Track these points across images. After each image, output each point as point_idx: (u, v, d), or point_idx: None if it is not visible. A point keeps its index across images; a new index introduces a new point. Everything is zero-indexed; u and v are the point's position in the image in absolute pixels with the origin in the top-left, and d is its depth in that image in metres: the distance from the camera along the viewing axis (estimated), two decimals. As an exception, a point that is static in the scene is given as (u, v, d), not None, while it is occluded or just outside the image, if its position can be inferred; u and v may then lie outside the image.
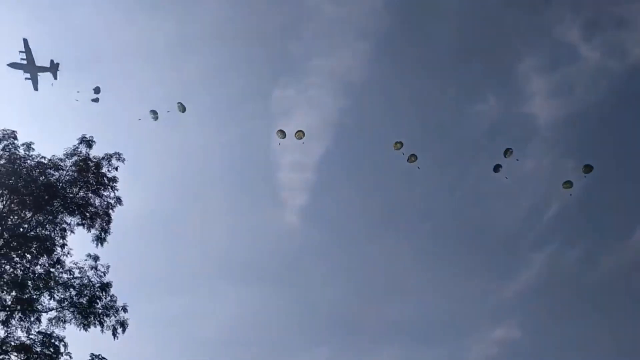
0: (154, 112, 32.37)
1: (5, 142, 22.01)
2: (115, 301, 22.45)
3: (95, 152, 23.32)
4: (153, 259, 61.63)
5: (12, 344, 20.89)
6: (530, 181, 55.74)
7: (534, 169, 54.52)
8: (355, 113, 65.86)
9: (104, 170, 23.16)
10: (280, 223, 64.76)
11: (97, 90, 35.13)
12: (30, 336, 21.22)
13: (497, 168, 33.12)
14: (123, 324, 22.31)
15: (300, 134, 31.93)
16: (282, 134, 31.56)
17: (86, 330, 21.94)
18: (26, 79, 43.83)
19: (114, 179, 23.28)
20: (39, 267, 21.96)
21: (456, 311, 62.89)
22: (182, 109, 32.01)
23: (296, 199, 64.84)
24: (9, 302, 21.20)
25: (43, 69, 43.83)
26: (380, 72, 67.29)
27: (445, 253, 68.81)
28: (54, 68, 43.87)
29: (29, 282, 21.59)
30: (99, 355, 21.63)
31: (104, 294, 22.34)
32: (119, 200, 23.33)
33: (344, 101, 65.30)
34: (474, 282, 65.43)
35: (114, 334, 22.11)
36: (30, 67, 43.31)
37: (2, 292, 21.27)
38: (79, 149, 22.98)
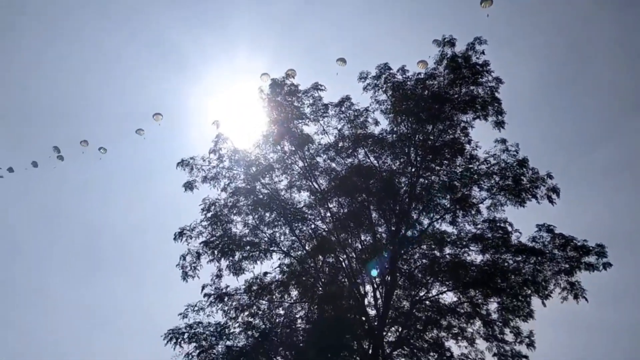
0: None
1: (385, 75, 30.66)
2: (537, 172, 28.02)
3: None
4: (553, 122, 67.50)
5: (466, 237, 28.51)
6: None
7: None
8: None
9: (473, 59, 29.58)
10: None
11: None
12: (478, 226, 28.56)
13: None
14: (554, 190, 27.60)
15: None
16: None
17: (523, 206, 28.03)
18: None
19: (485, 63, 29.47)
20: (458, 167, 29.46)
21: None
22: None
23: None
24: (448, 205, 29.01)
25: None
26: None
27: None
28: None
29: (456, 182, 29.13)
30: (544, 224, 27.40)
31: (524, 169, 28.18)
32: (498, 80, 29.33)
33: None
34: None
35: (550, 201, 27.56)
36: None
37: (440, 199, 29.34)
38: (444, 52, 30.04)
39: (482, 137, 29.79)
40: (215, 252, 27.70)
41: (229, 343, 25.57)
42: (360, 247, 29.27)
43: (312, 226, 29.19)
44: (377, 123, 30.77)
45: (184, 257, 27.71)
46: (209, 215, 28.89)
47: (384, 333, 27.01)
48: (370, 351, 26.02)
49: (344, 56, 35.72)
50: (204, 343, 25.26)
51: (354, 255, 29.03)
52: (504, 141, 28.85)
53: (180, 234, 28.05)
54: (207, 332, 25.61)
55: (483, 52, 29.66)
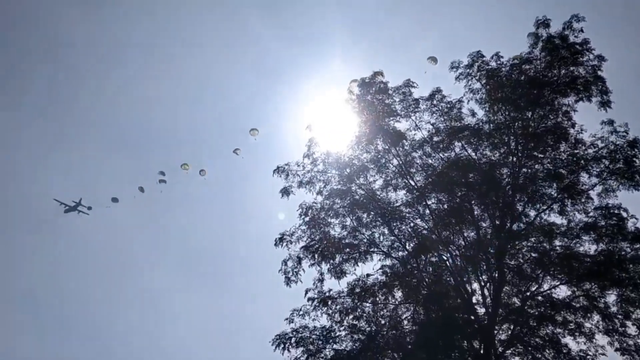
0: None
1: (478, 63, 30.27)
2: (656, 149, 26.65)
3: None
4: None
5: (577, 227, 27.53)
6: None
7: None
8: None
9: (571, 39, 28.65)
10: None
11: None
12: (589, 215, 27.54)
13: None
14: None
15: None
16: None
17: (637, 189, 26.79)
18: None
19: (585, 42, 28.46)
20: (562, 154, 28.55)
21: None
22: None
23: None
24: (555, 194, 28.13)
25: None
26: None
27: None
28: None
29: (562, 170, 28.23)
30: None
31: (635, 150, 26.94)
32: (601, 58, 28.24)
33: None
34: None
35: None
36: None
37: (546, 188, 28.46)
38: (539, 33, 29.24)
39: (586, 120, 28.84)
40: (316, 255, 28.24)
41: (336, 347, 26.01)
42: (464, 244, 28.90)
43: (411, 225, 29.13)
44: (473, 114, 30.44)
45: (285, 262, 28.43)
46: (306, 219, 29.54)
47: (495, 331, 26.57)
48: (481, 351, 25.66)
49: (435, 54, 35.49)
50: (311, 347, 25.85)
51: (458, 253, 28.70)
52: (611, 122, 27.77)
53: (280, 240, 28.84)
54: (313, 336, 26.18)
55: (581, 30, 28.68)
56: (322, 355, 25.75)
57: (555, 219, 28.25)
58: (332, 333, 26.44)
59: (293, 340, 25.92)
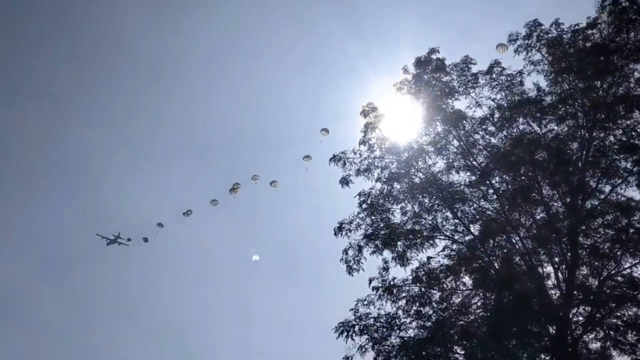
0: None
1: (537, 33, 29.37)
2: None
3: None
4: None
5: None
6: None
7: None
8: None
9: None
10: None
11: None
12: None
13: None
14: None
15: None
16: None
17: None
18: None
19: (656, 1, 27.07)
20: (636, 124, 27.28)
21: None
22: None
23: None
24: (631, 167, 26.82)
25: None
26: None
27: None
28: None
29: (636, 141, 26.97)
30: None
31: None
32: (674, 17, 26.78)
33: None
34: None
35: None
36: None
37: (619, 161, 27.15)
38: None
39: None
40: (377, 243, 27.95)
41: (401, 334, 25.65)
42: (534, 224, 27.99)
43: (475, 206, 28.48)
44: (539, 89, 29.36)
45: (346, 251, 28.29)
46: (364, 206, 29.28)
47: (571, 315, 25.56)
48: (557, 336, 24.75)
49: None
50: (375, 335, 25.59)
51: (528, 235, 27.79)
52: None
53: (339, 229, 28.70)
54: (377, 324, 25.91)
55: (653, -12, 27.32)
56: (388, 343, 25.44)
57: (633, 193, 26.95)
58: (397, 320, 26.09)
59: (357, 328, 25.73)
